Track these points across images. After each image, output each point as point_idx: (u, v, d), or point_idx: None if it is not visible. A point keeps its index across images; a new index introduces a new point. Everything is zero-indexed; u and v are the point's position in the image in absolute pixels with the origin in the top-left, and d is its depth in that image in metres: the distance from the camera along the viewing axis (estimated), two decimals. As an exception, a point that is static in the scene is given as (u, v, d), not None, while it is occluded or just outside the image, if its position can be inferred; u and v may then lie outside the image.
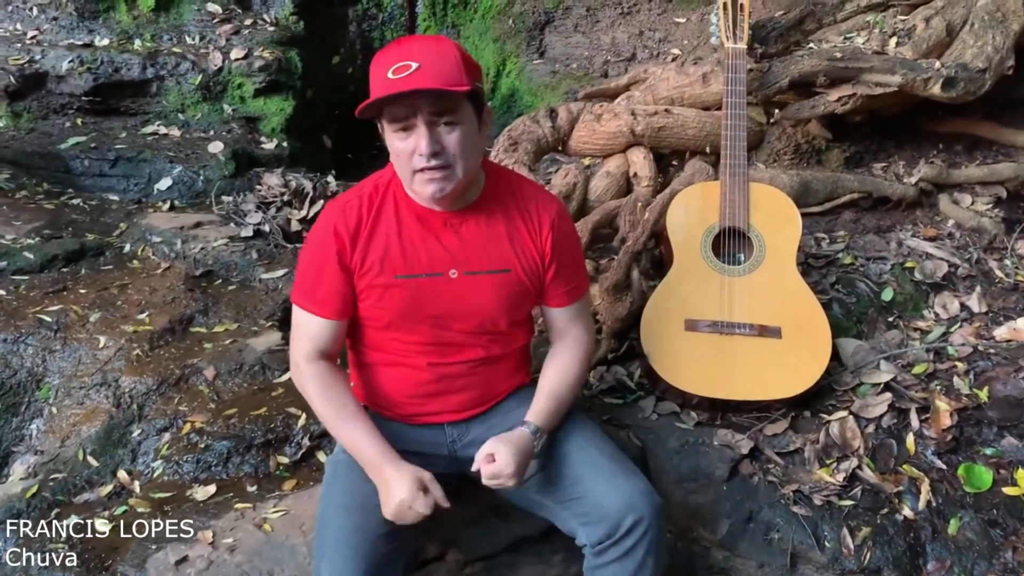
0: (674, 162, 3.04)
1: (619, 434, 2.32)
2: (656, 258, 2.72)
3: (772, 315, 2.38)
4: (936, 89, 2.72)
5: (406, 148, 1.67)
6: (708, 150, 2.92)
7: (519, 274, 1.86)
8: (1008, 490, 2.20)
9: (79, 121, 3.99)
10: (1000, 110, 3.10)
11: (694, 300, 2.39)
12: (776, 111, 2.99)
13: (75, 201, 3.59)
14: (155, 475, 2.31)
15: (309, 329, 1.83)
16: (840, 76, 2.76)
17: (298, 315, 1.85)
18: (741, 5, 2.73)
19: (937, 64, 2.73)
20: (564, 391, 1.90)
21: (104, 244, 3.20)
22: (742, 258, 2.50)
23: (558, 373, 1.92)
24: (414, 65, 1.60)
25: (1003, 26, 2.80)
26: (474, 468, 1.79)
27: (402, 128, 1.66)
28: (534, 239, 1.86)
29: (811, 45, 2.99)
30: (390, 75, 1.61)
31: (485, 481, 1.77)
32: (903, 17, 3.02)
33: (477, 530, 2.10)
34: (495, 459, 1.74)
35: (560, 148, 2.97)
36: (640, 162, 2.84)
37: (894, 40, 2.89)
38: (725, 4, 2.74)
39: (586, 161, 3.48)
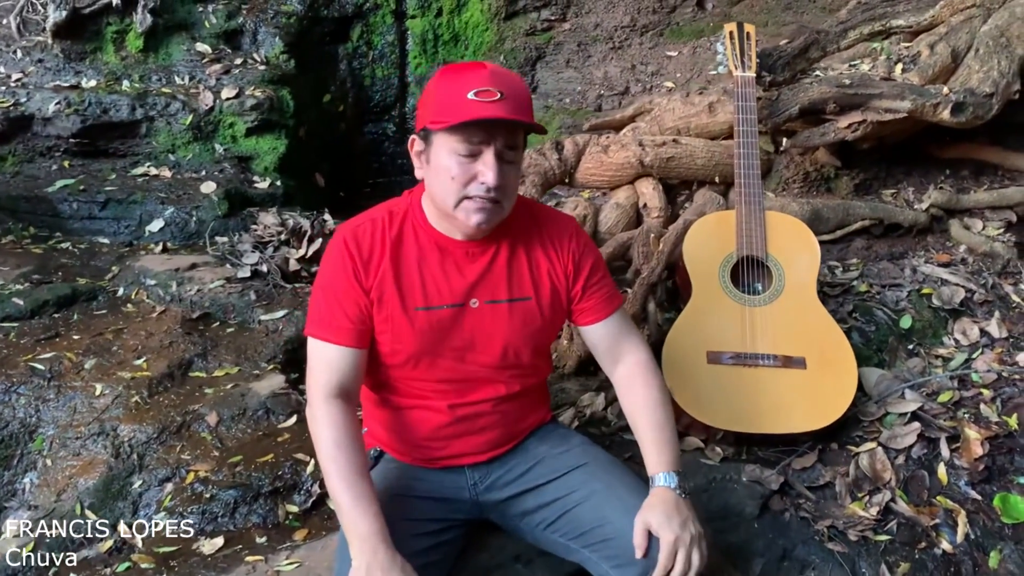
0: (682, 192, 3.00)
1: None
2: (669, 290, 2.66)
3: (796, 345, 2.32)
4: (945, 114, 2.71)
5: (464, 173, 1.61)
6: (717, 179, 2.89)
7: (540, 302, 1.80)
8: (1046, 520, 2.15)
9: (66, 163, 3.90)
10: (1005, 135, 3.11)
11: (715, 332, 2.34)
12: (784, 140, 2.97)
13: (64, 245, 3.49)
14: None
15: (326, 360, 1.72)
16: (850, 103, 2.75)
17: (313, 348, 1.74)
18: (748, 34, 2.72)
19: (945, 89, 2.73)
20: (662, 419, 1.80)
21: (97, 288, 3.10)
22: (759, 288, 2.45)
23: (643, 404, 1.82)
24: (500, 94, 1.56)
25: (1008, 51, 2.81)
26: (638, 556, 1.64)
27: (468, 153, 1.60)
28: (555, 261, 1.81)
29: (817, 73, 2.99)
30: (472, 96, 1.56)
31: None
32: (906, 44, 3.03)
33: (500, 576, 2.00)
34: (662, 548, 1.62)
35: (567, 180, 2.93)
36: (650, 193, 2.80)
37: (899, 66, 2.89)
38: (732, 33, 2.73)
39: (585, 194, 3.45)
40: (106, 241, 3.57)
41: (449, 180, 1.63)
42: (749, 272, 2.44)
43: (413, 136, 1.70)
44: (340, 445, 1.66)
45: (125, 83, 4.11)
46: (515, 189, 1.69)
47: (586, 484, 1.80)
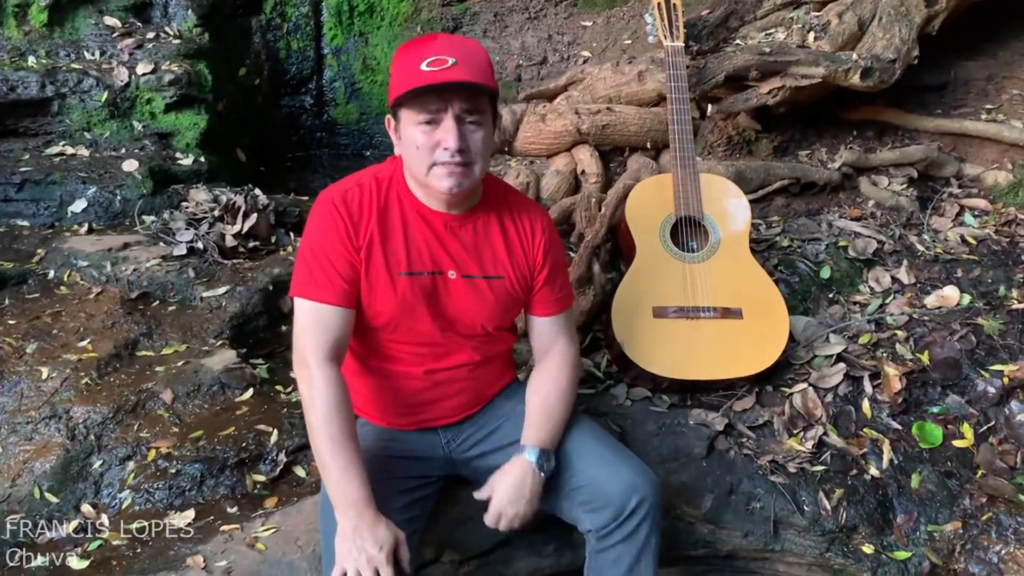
0: (616, 158, 3.13)
1: (598, 422, 2.37)
2: (610, 251, 2.78)
3: (733, 297, 2.48)
4: (856, 79, 2.92)
5: (428, 141, 1.67)
6: (649, 145, 3.02)
7: (511, 281, 1.88)
8: (957, 443, 2.40)
9: (-27, 144, 3.73)
10: (902, 97, 3.35)
11: (660, 288, 2.47)
12: (709, 106, 3.13)
13: (-20, 229, 3.36)
14: (124, 506, 2.21)
15: (320, 320, 1.75)
16: (770, 69, 2.92)
17: (304, 309, 1.77)
18: (674, 5, 2.84)
19: (855, 56, 2.93)
20: (555, 404, 1.90)
21: (26, 271, 3.01)
22: (694, 246, 2.60)
23: (546, 387, 1.92)
24: (451, 60, 1.62)
25: (907, 19, 3.04)
26: (477, 497, 1.83)
27: (428, 121, 1.66)
28: (526, 247, 1.89)
29: (738, 41, 3.16)
30: (424, 67, 1.61)
31: (489, 523, 1.81)
32: (816, 13, 3.23)
33: (471, 528, 2.10)
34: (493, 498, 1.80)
35: (506, 149, 3.01)
36: (587, 159, 2.91)
37: (812, 35, 3.08)
38: (659, 4, 2.84)
39: (512, 162, 3.54)
40: (26, 224, 3.45)
41: (415, 150, 1.70)
42: (687, 231, 2.59)
43: (388, 116, 1.77)
44: (335, 410, 1.72)
45: (31, 59, 3.94)
46: (486, 152, 1.74)
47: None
